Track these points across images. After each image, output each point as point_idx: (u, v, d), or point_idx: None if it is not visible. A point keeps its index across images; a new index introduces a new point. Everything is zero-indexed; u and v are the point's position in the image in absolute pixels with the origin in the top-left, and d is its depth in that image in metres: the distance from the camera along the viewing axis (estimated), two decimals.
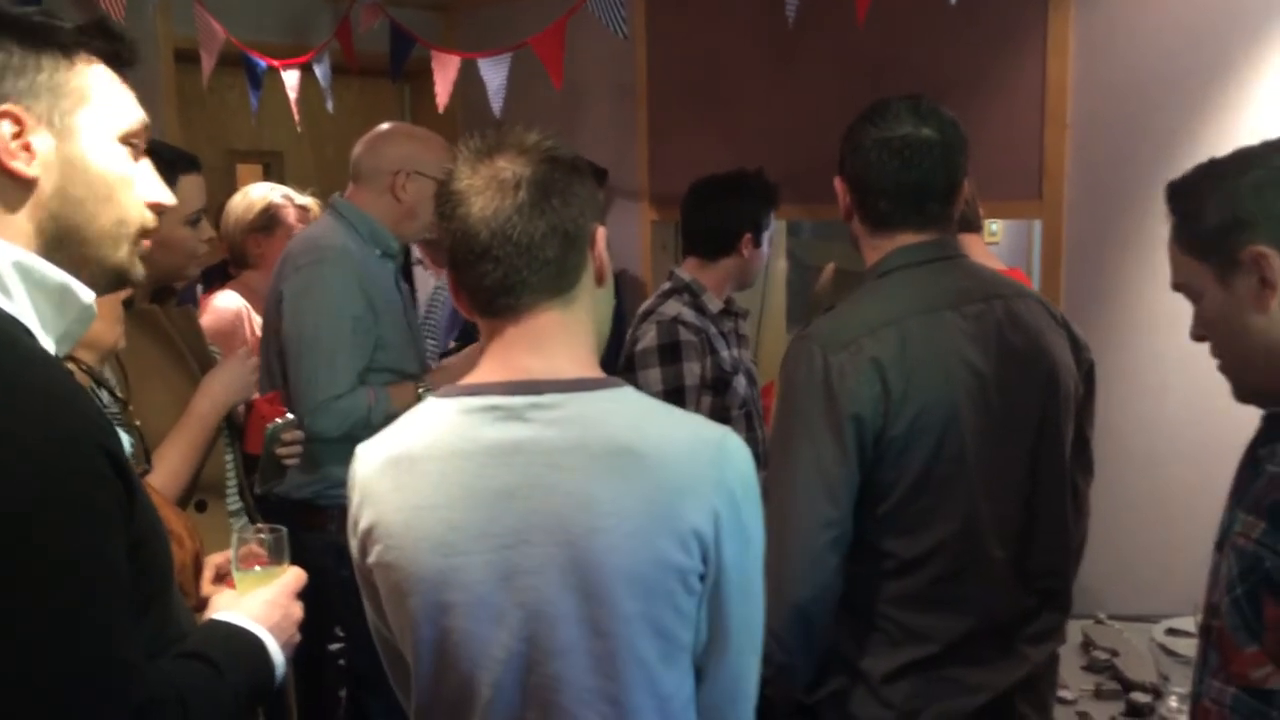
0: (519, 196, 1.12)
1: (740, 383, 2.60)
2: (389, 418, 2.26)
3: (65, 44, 1.02)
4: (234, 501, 2.07)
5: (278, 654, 1.16)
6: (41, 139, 1.00)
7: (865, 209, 1.59)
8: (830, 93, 3.03)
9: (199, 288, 3.10)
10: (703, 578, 1.13)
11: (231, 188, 3.22)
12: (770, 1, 2.57)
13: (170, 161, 1.95)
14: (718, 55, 3.35)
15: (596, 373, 1.18)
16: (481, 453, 1.12)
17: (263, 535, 1.36)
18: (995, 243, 4.30)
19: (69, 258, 1.02)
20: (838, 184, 1.63)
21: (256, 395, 2.10)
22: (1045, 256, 2.78)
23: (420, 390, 2.35)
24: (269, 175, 3.96)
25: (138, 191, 1.08)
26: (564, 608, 1.10)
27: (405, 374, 2.41)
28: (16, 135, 0.98)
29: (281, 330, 2.33)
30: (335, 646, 3.10)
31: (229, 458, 2.05)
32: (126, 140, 1.07)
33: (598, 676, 1.11)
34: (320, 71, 3.21)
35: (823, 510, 1.48)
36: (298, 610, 1.26)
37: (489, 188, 1.13)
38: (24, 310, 0.99)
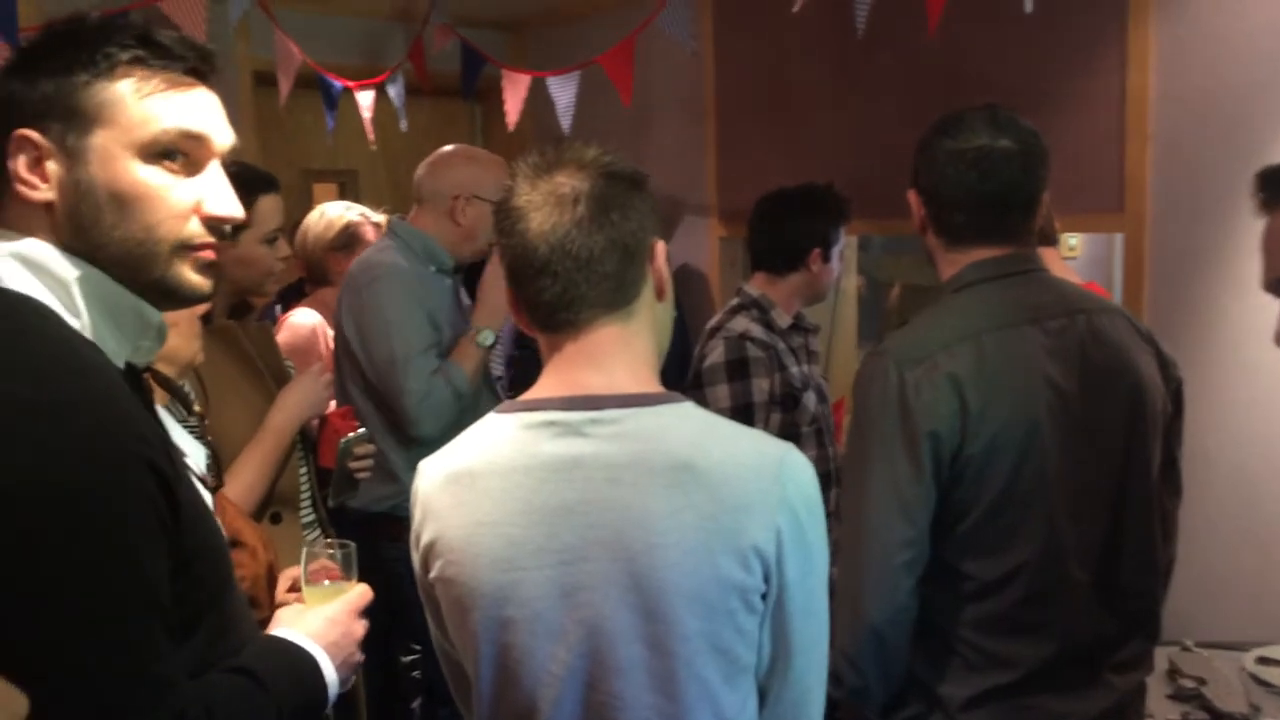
0: (578, 211, 1.12)
1: (810, 399, 2.57)
2: (471, 378, 2.35)
3: (92, 60, 1.00)
4: (308, 514, 2.10)
5: (330, 673, 1.15)
6: (55, 163, 1.00)
7: (940, 223, 1.56)
8: (901, 105, 2.99)
9: (277, 307, 3.18)
10: (764, 596, 1.11)
11: (308, 207, 3.29)
12: (838, 13, 2.54)
13: (248, 182, 2.01)
14: (786, 69, 3.32)
15: (656, 388, 1.17)
16: (541, 468, 1.12)
17: (332, 550, 1.36)
18: (1074, 257, 4.19)
19: (115, 277, 1.02)
20: (911, 197, 1.60)
21: (330, 410, 2.14)
22: (1128, 271, 2.70)
23: (475, 337, 2.40)
24: (344, 194, 4.04)
25: (172, 205, 1.03)
26: (623, 625, 1.09)
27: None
28: (39, 160, 0.99)
29: (355, 354, 2.40)
30: (410, 658, 3.14)
31: (303, 471, 2.09)
32: (163, 152, 1.02)
33: (658, 695, 1.10)
34: (394, 92, 3.27)
35: (898, 530, 1.45)
36: (360, 628, 1.25)
37: (548, 203, 1.13)
38: (90, 325, 1.00)
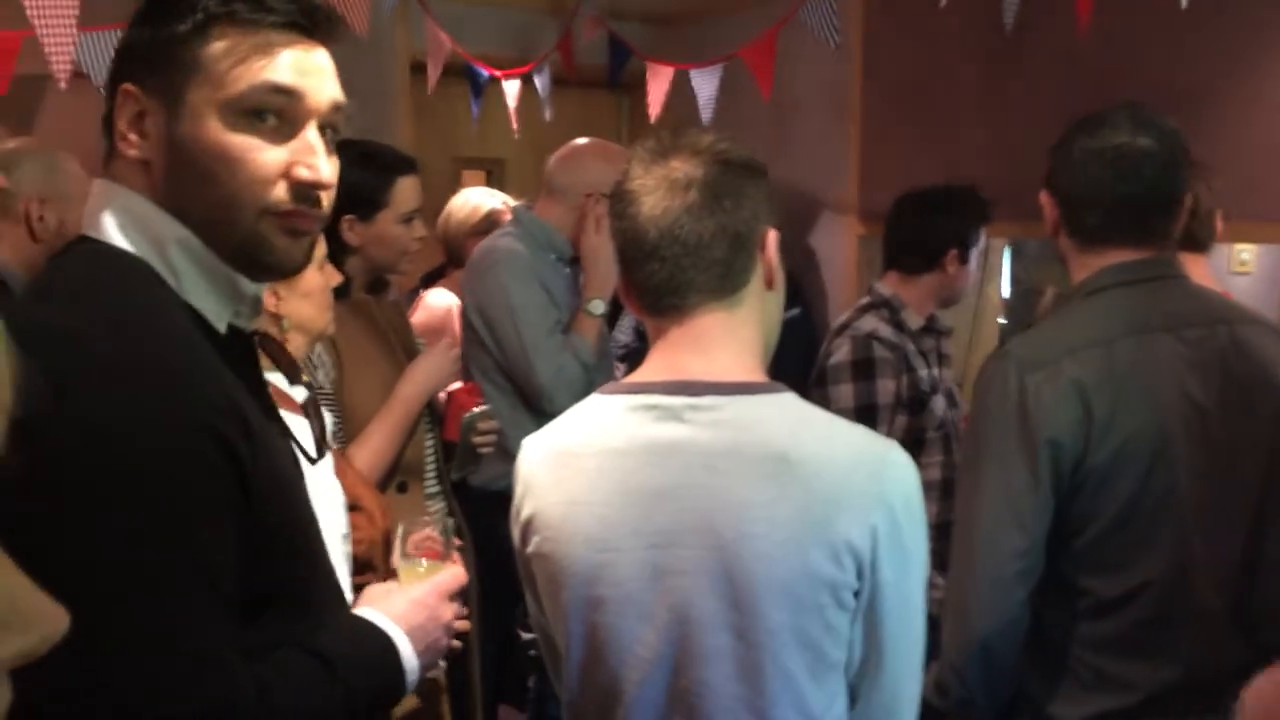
0: (689, 197, 1.12)
1: (939, 403, 2.50)
2: (594, 348, 2.41)
3: (193, 13, 0.96)
4: (433, 485, 2.18)
5: (410, 657, 1.09)
6: (154, 119, 0.97)
7: (1074, 224, 1.51)
8: (1054, 105, 2.87)
9: (420, 290, 3.29)
10: (857, 594, 1.09)
11: (456, 193, 3.40)
12: (989, 9, 2.46)
13: (388, 163, 2.09)
14: (935, 65, 3.24)
15: (760, 377, 1.17)
16: (638, 451, 1.13)
17: (430, 528, 1.33)
18: (1247, 271, 3.92)
19: (205, 240, 0.99)
20: (1043, 198, 1.55)
21: (457, 386, 2.21)
22: None
23: (588, 309, 2.45)
24: (490, 181, 4.15)
25: (257, 168, 0.97)
26: (711, 612, 1.09)
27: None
28: (140, 115, 0.97)
29: (480, 335, 2.48)
30: (530, 636, 3.21)
31: (429, 443, 2.17)
32: (252, 110, 0.97)
33: (743, 685, 1.10)
34: (540, 82, 3.34)
35: (1011, 540, 1.41)
36: (448, 612, 1.19)
37: (660, 188, 1.14)
38: (188, 286, 0.98)
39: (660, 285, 1.15)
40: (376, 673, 1.07)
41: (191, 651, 0.88)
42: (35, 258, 1.99)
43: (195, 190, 0.97)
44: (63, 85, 1.59)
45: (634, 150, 1.20)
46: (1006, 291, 4.42)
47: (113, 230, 0.97)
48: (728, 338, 1.16)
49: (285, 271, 1.04)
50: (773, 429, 1.10)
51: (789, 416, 1.12)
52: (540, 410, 2.37)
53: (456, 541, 1.40)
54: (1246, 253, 3.94)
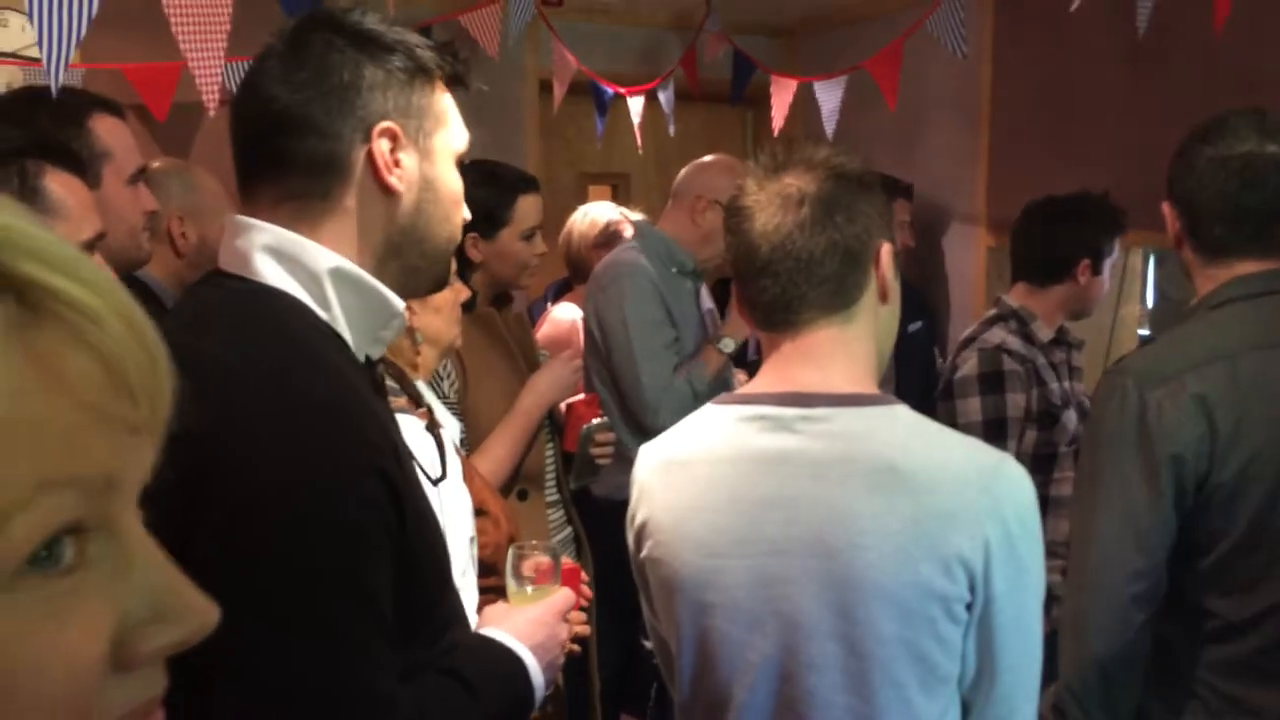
0: (801, 213, 1.13)
1: (1071, 418, 2.42)
2: (712, 384, 2.38)
3: (430, 67, 1.05)
4: (552, 493, 2.23)
5: (538, 675, 1.14)
6: (409, 156, 1.03)
7: (1198, 235, 1.46)
8: (1192, 110, 2.73)
9: (548, 302, 3.37)
10: (969, 607, 1.08)
11: None
12: (1122, 14, 2.38)
13: (511, 182, 2.16)
14: (1065, 72, 3.15)
15: (872, 389, 1.17)
16: (749, 460, 1.15)
17: (539, 554, 1.34)
18: None
19: (402, 267, 1.06)
20: (1165, 208, 1.50)
21: (578, 398, 2.26)
22: None
23: (718, 346, 2.44)
24: (616, 196, 4.22)
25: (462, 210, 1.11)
26: (820, 621, 1.10)
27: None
28: (393, 151, 1.02)
29: (599, 348, 2.52)
30: (650, 644, 3.24)
31: (550, 453, 2.22)
32: (459, 161, 1.10)
33: (851, 696, 1.10)
34: (664, 98, 3.38)
35: (1131, 560, 1.37)
36: (564, 631, 1.23)
37: (773, 203, 1.15)
38: (341, 318, 1.01)
39: (773, 301, 1.16)
40: (510, 691, 1.11)
41: (369, 693, 0.91)
42: (182, 273, 2.09)
43: (437, 226, 1.08)
44: (211, 112, 1.71)
45: (749, 165, 1.21)
46: (1150, 302, 4.25)
47: (265, 268, 0.99)
48: (840, 351, 1.16)
49: (441, 286, 1.15)
50: (883, 440, 1.10)
51: (899, 428, 1.12)
52: (644, 426, 2.36)
53: (566, 562, 1.43)
54: None
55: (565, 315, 3.07)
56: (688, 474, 1.19)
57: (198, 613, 0.44)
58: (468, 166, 1.14)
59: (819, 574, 1.10)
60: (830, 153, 1.19)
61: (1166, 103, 2.86)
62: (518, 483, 2.10)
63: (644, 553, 1.23)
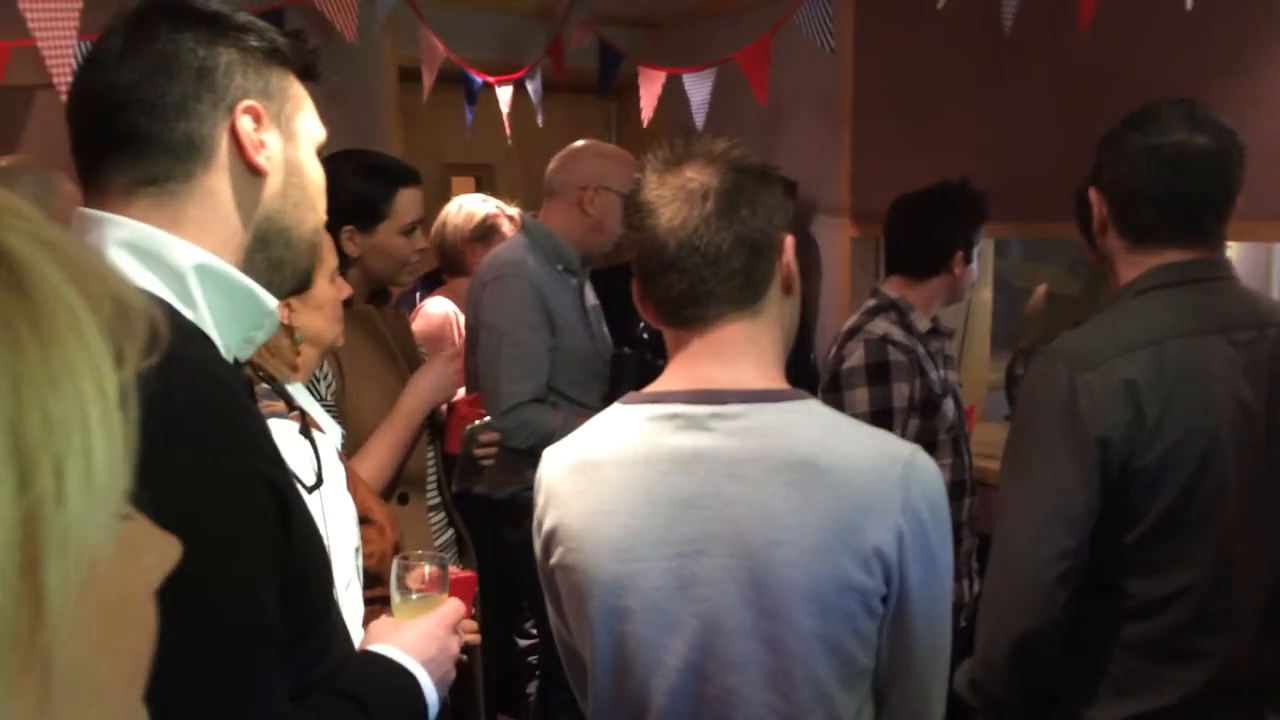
0: (706, 207, 1.12)
1: (949, 405, 2.50)
2: (560, 429, 2.32)
3: (284, 50, 1.01)
4: (434, 497, 2.16)
5: (431, 691, 1.11)
6: (273, 137, 0.99)
7: (1126, 222, 1.48)
8: (1047, 106, 2.88)
9: (417, 295, 3.28)
10: (885, 600, 1.09)
11: (446, 199, 3.38)
12: (985, 12, 2.46)
13: (391, 175, 2.07)
14: (927, 69, 3.25)
15: (782, 384, 1.16)
16: (662, 460, 1.12)
17: (425, 565, 1.30)
18: None
19: (268, 259, 1.01)
20: (1092, 195, 1.52)
21: (459, 397, 2.20)
22: None
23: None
24: (480, 187, 4.13)
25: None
26: (740, 621, 1.09)
27: (590, 374, 2.50)
28: (256, 130, 0.97)
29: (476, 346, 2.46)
30: (527, 643, 3.20)
31: (431, 455, 2.15)
32: (319, 153, 1.05)
33: (772, 693, 1.09)
34: (532, 88, 3.33)
35: (1057, 540, 1.40)
36: (455, 643, 1.21)
37: (677, 198, 1.13)
38: (208, 317, 0.94)
39: (680, 296, 1.14)
40: (404, 709, 1.08)
41: (266, 710, 0.87)
42: None
43: (303, 214, 1.03)
44: (64, 96, 1.57)
45: (646, 159, 1.19)
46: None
47: (119, 265, 0.90)
48: (749, 346, 1.15)
49: (307, 283, 1.08)
50: (799, 436, 1.10)
51: (815, 423, 1.12)
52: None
53: (458, 572, 1.38)
54: (1230, 252, 3.96)
55: (437, 310, 2.99)
56: (599, 476, 1.16)
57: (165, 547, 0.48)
58: (344, 157, 1.08)
59: (738, 573, 1.08)
60: (728, 145, 1.17)
61: (1018, 100, 2.98)
62: (399, 486, 2.02)
63: (554, 560, 1.19)
